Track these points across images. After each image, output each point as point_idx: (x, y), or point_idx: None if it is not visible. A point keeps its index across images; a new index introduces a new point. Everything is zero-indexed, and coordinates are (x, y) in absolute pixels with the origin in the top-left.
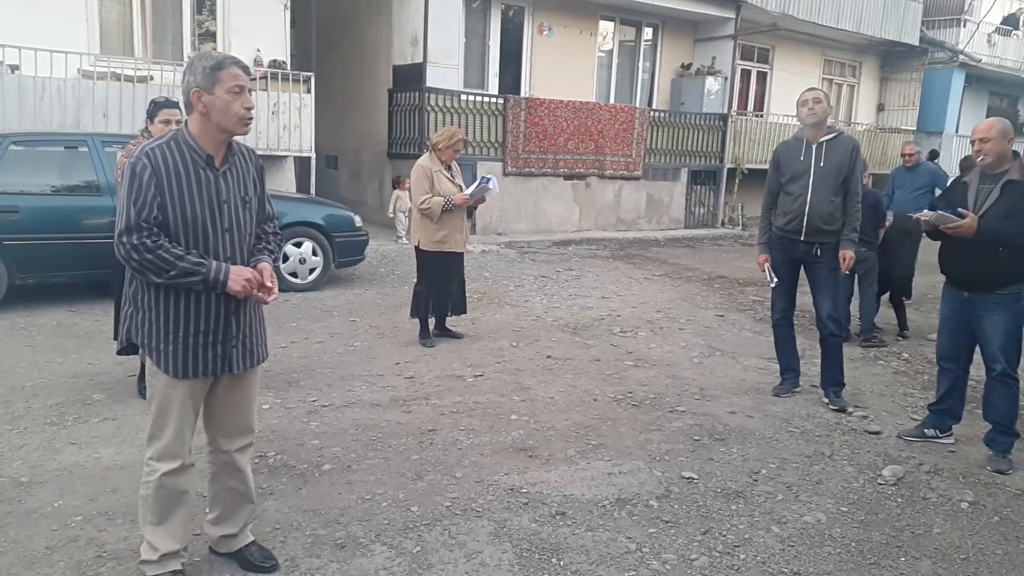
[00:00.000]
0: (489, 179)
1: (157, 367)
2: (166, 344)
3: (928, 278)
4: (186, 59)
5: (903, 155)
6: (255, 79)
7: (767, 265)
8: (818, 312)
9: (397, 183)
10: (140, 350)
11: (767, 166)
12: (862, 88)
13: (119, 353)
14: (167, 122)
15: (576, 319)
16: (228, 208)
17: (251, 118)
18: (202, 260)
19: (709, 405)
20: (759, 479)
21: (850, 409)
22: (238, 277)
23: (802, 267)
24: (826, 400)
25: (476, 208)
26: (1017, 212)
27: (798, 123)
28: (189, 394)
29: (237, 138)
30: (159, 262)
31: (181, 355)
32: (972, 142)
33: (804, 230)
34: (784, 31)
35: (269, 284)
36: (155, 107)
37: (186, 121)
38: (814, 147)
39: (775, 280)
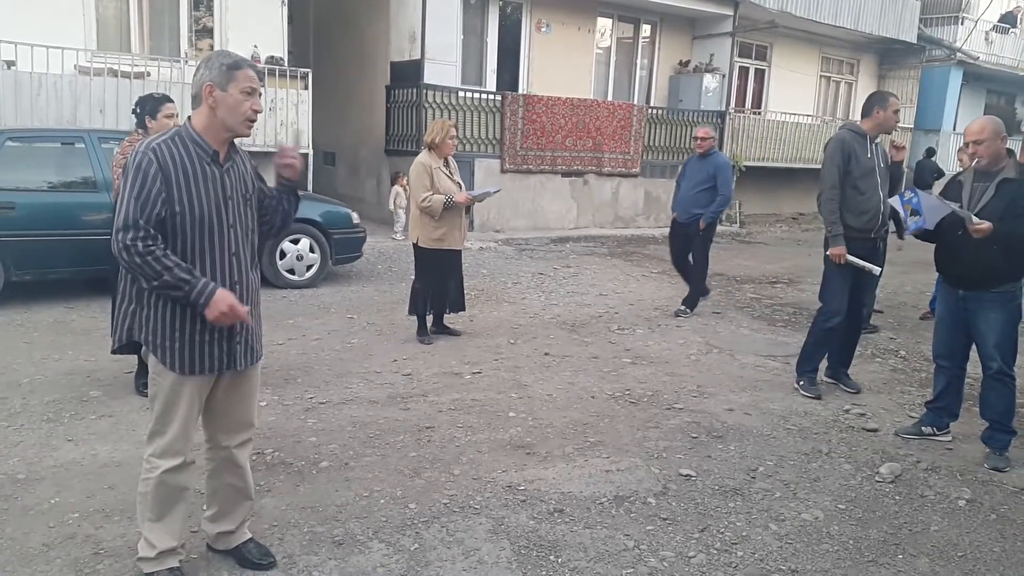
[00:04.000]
0: (497, 192)
1: (163, 364)
2: (172, 341)
3: (923, 276)
4: (183, 55)
5: (696, 138)
6: None
7: (850, 256)
8: (861, 305)
9: (396, 179)
10: (142, 348)
11: (765, 163)
12: (860, 86)
13: (115, 352)
14: (170, 116)
15: (574, 316)
16: (232, 204)
17: (255, 120)
18: (188, 278)
19: (707, 402)
20: (757, 476)
21: (848, 408)
22: (220, 302)
23: None
24: (836, 382)
25: (473, 205)
26: (1016, 210)
27: (846, 121)
28: (195, 391)
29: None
30: (146, 267)
31: (188, 352)
32: (966, 144)
33: (878, 227)
34: (782, 28)
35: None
36: (156, 103)
37: (189, 117)
38: (872, 146)
39: (879, 268)
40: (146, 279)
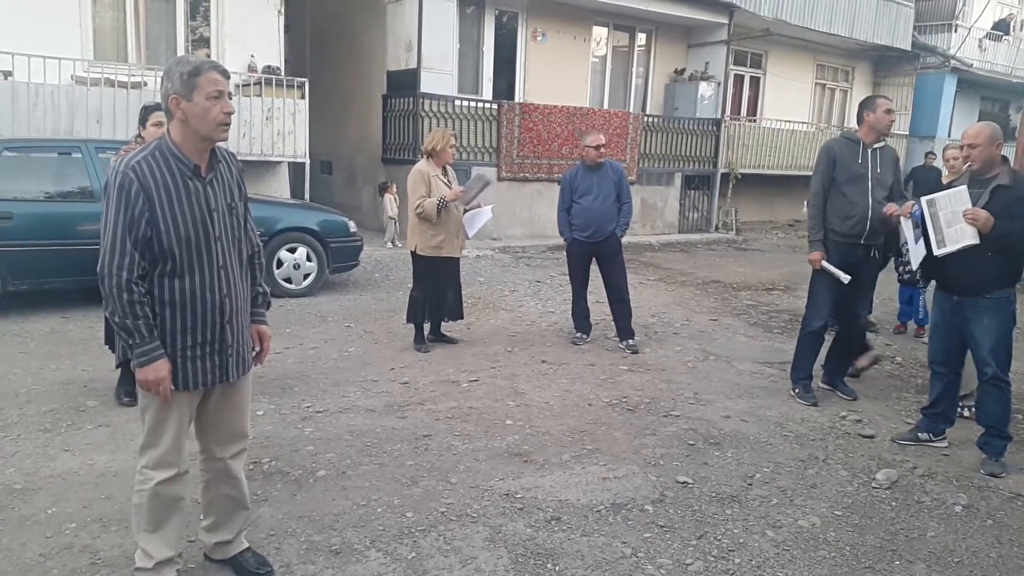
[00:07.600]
0: (486, 181)
1: None
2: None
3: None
4: None
5: (593, 147)
6: (249, 85)
7: (825, 262)
8: (859, 311)
9: (384, 189)
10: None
11: (761, 171)
12: (855, 93)
13: (119, 367)
14: (159, 124)
15: (570, 324)
16: (218, 216)
17: (230, 123)
18: (146, 334)
19: (703, 409)
20: (754, 483)
21: (844, 414)
22: (155, 370)
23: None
24: (832, 389)
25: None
26: (1012, 215)
27: (847, 128)
28: (185, 403)
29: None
30: (119, 302)
31: (180, 367)
32: (960, 147)
33: (866, 233)
34: (777, 36)
35: (267, 348)
36: (146, 111)
37: (168, 128)
38: (870, 152)
39: (848, 276)
40: (111, 310)
